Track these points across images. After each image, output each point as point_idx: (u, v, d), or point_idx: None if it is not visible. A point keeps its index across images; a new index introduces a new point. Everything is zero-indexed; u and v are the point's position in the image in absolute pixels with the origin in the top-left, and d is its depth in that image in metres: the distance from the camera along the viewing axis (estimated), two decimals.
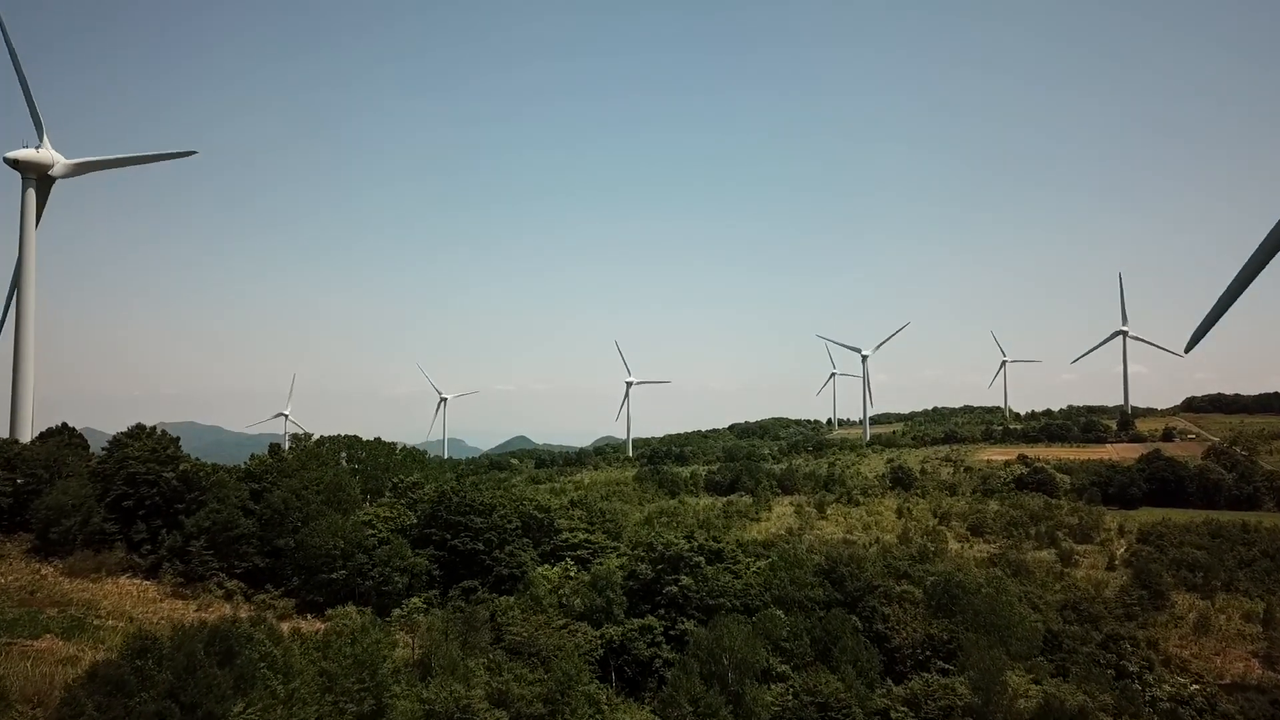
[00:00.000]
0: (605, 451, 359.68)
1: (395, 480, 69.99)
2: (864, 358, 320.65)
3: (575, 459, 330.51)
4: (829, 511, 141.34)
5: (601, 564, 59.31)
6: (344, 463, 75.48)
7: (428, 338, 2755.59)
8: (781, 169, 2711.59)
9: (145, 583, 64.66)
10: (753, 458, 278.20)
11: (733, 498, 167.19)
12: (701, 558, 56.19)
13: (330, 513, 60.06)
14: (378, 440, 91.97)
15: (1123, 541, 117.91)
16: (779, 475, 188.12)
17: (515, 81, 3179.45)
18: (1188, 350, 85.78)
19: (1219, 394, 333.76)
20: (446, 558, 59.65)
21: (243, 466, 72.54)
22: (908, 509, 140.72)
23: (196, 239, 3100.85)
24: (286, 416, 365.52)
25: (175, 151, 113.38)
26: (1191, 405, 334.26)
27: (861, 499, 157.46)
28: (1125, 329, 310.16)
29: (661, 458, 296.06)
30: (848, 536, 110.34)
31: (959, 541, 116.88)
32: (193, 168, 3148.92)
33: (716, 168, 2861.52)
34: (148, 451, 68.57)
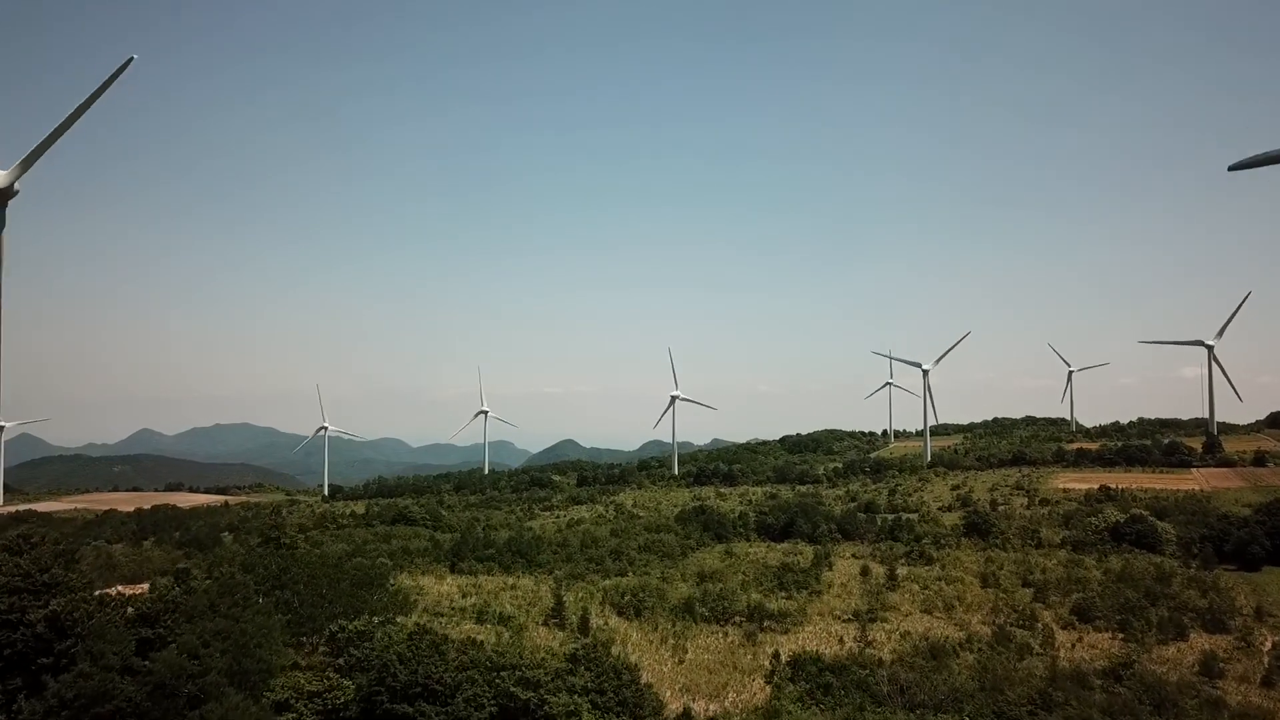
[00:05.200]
0: (650, 466, 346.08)
1: (333, 628, 52.34)
2: (925, 372, 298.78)
3: (619, 475, 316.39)
4: (900, 575, 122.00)
5: None
6: (277, 591, 57.76)
7: (475, 341, 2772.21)
8: (823, 169, 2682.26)
9: None
10: (805, 479, 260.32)
11: (788, 546, 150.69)
12: None
13: (231, 691, 42.72)
14: (319, 555, 74.19)
15: (1265, 632, 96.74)
16: (839, 519, 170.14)
17: (556, 88, 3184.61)
18: (1231, 169, 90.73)
19: None
20: None
21: (148, 596, 55.33)
22: (993, 575, 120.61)
23: (245, 245, 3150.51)
24: (326, 429, 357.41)
25: (114, 72, 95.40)
26: (1276, 421, 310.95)
27: (935, 553, 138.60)
28: (1210, 343, 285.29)
29: (709, 476, 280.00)
30: (929, 634, 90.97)
31: (1063, 629, 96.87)
32: (247, 178, 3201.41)
33: (764, 169, 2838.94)
34: (20, 576, 51.83)
